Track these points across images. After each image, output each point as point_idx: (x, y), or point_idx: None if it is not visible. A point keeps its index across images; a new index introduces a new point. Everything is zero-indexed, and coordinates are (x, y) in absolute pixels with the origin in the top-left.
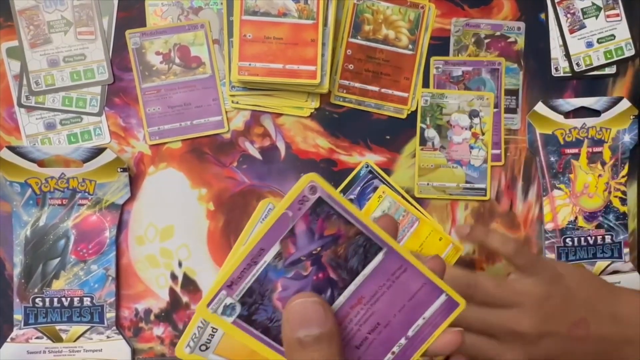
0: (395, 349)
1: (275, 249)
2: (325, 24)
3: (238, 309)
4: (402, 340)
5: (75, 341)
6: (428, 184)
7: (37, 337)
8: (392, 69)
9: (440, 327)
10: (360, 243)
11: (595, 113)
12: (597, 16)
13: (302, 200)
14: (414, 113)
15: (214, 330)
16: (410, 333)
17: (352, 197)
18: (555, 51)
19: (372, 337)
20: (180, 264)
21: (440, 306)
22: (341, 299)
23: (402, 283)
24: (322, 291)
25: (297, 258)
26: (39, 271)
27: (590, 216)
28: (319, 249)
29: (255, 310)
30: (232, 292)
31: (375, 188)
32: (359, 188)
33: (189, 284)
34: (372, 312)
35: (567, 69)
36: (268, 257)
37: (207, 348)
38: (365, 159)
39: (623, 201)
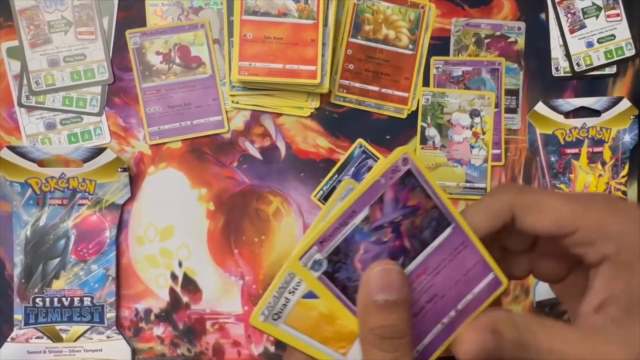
0: (445, 320)
1: (364, 212)
2: (325, 24)
3: (325, 265)
4: (452, 313)
5: (75, 341)
6: None
7: (37, 337)
8: (392, 69)
9: (485, 303)
10: (434, 216)
11: (596, 113)
12: (597, 16)
13: (394, 170)
14: (414, 113)
15: (287, 300)
16: (460, 306)
17: (347, 177)
18: (556, 51)
19: (428, 307)
20: (180, 264)
21: (488, 283)
22: (410, 268)
23: (461, 258)
24: (396, 258)
25: (381, 224)
26: (39, 271)
27: None
28: (400, 217)
29: (339, 269)
30: (322, 249)
31: (370, 168)
32: (353, 168)
33: (189, 284)
34: (432, 284)
35: (568, 69)
36: (357, 219)
37: (279, 317)
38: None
39: None
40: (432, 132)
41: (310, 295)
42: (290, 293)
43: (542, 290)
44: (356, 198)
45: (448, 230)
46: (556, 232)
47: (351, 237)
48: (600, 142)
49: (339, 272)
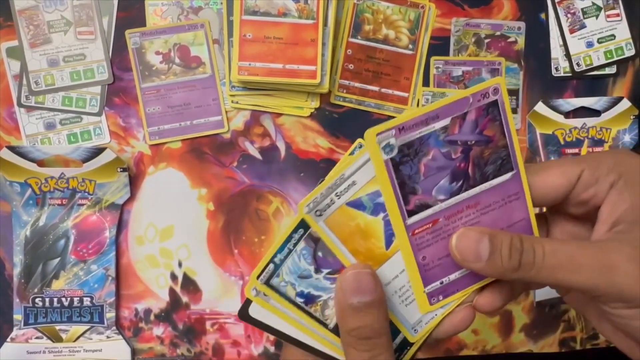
0: None
1: (446, 121)
2: (325, 24)
3: (394, 152)
4: None
5: (75, 341)
6: None
7: (37, 337)
8: (392, 69)
9: None
10: (502, 155)
11: (596, 113)
12: (597, 16)
13: (484, 94)
14: None
15: (332, 201)
16: None
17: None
18: (556, 51)
19: None
20: (180, 264)
21: None
22: (464, 195)
23: (510, 208)
24: (456, 179)
25: (455, 139)
26: (39, 271)
27: None
28: (473, 141)
29: (404, 162)
30: (399, 136)
31: None
32: None
33: (189, 284)
34: (478, 221)
35: (567, 69)
36: (438, 125)
37: (321, 215)
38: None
39: None
40: None
41: (354, 204)
42: (336, 196)
43: (542, 291)
44: (445, 104)
45: (508, 175)
46: (565, 184)
47: (427, 139)
48: (600, 142)
49: (403, 165)
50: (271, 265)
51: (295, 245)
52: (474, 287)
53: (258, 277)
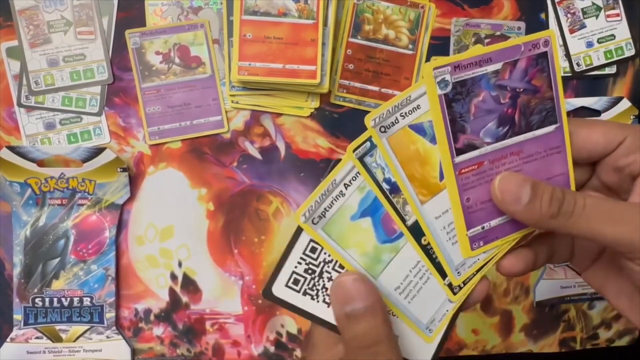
0: None
1: (497, 65)
2: (325, 24)
3: (448, 88)
4: None
5: (75, 341)
6: None
7: (36, 337)
8: (392, 69)
9: None
10: (547, 107)
11: (596, 113)
12: (597, 16)
13: (535, 44)
14: None
15: (397, 120)
16: None
17: None
18: None
19: None
20: (180, 264)
21: None
22: (508, 142)
23: (550, 161)
24: (502, 124)
25: (505, 85)
26: (39, 271)
27: None
28: (522, 89)
29: (457, 100)
30: (454, 73)
31: None
32: None
33: (189, 284)
34: (520, 169)
35: (567, 69)
36: (490, 68)
37: (385, 131)
38: None
39: None
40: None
41: (416, 128)
42: (401, 116)
43: (542, 290)
44: (496, 49)
45: (552, 127)
46: (605, 144)
47: (479, 80)
48: None
49: (456, 102)
50: (368, 143)
51: None
52: (513, 236)
53: (354, 150)
